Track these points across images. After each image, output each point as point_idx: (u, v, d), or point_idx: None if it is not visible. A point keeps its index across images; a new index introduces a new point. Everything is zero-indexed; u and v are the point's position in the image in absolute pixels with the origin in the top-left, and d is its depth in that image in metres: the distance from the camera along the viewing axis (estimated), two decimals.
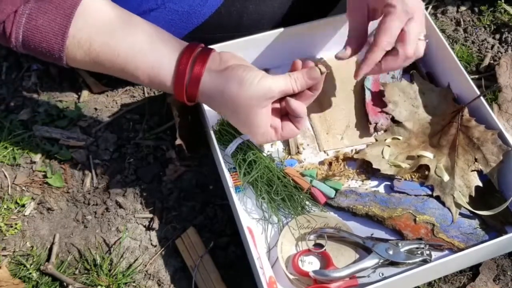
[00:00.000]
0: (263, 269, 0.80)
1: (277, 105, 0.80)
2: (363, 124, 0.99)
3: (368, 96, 0.99)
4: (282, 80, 0.77)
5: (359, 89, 1.02)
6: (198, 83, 0.76)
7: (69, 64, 0.76)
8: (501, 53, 1.12)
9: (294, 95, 0.79)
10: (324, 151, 0.97)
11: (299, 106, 0.78)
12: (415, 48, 0.83)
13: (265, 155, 0.91)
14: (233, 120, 0.80)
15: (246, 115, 0.76)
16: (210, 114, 0.95)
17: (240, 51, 0.98)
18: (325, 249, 0.85)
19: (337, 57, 0.90)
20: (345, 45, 0.90)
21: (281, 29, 0.99)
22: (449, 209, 0.88)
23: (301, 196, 0.90)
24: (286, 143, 0.97)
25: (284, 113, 0.81)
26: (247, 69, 0.75)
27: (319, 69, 0.78)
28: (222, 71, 0.76)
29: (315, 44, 1.04)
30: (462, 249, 0.84)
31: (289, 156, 0.96)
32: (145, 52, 0.75)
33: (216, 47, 0.95)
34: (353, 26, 0.91)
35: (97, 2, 0.75)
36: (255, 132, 0.79)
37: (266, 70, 1.06)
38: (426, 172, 0.92)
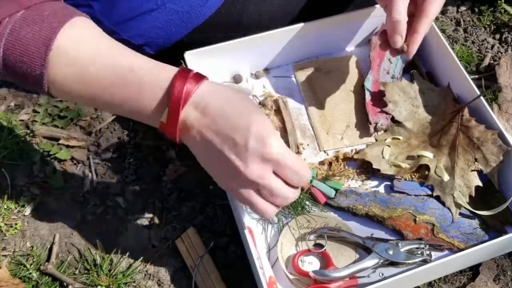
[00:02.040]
0: (263, 269, 0.80)
1: None
2: (363, 124, 0.99)
3: (368, 96, 0.99)
4: None
5: (359, 89, 1.02)
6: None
7: (49, 88, 0.68)
8: (501, 53, 1.12)
9: None
10: (324, 151, 0.97)
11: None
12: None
13: None
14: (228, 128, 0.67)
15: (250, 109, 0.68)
16: None
17: (240, 51, 0.99)
18: (325, 249, 0.85)
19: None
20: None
21: (281, 29, 0.99)
22: (449, 209, 0.88)
23: (301, 196, 0.90)
24: (286, 143, 0.97)
25: None
26: None
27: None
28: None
29: (316, 43, 1.04)
30: (462, 249, 0.84)
31: None
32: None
33: (216, 47, 0.96)
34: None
35: (87, 27, 0.70)
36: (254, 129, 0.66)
37: (266, 70, 1.06)
38: (426, 172, 0.92)
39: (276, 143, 0.65)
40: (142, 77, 0.67)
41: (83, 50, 0.67)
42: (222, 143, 0.65)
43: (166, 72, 0.67)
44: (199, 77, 0.67)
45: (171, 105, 0.66)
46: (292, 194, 0.68)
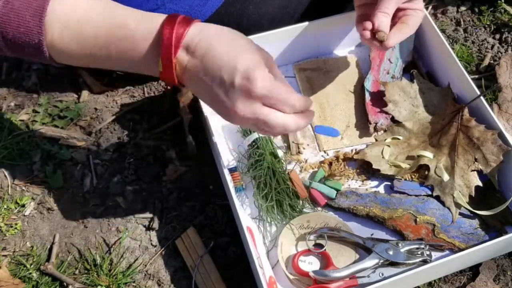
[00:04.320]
0: (263, 269, 0.80)
1: None
2: (363, 124, 0.99)
3: (367, 96, 0.99)
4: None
5: (359, 89, 1.02)
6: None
7: (50, 53, 0.70)
8: (501, 53, 1.12)
9: None
10: (324, 151, 0.97)
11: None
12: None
13: (274, 155, 0.92)
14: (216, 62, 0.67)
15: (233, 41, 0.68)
16: (210, 112, 0.96)
17: None
18: (325, 249, 0.85)
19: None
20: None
21: (281, 29, 0.99)
22: (449, 209, 0.88)
23: (299, 201, 0.90)
24: (287, 143, 0.97)
25: None
26: None
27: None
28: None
29: (316, 43, 1.04)
30: (463, 249, 0.84)
31: (290, 156, 0.96)
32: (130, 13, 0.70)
33: None
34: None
35: None
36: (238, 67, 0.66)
37: None
38: (426, 172, 0.92)
39: (260, 77, 0.64)
40: (134, 30, 0.68)
41: (76, 12, 0.68)
42: (211, 83, 0.66)
43: (154, 20, 0.68)
44: (188, 20, 0.67)
45: (163, 53, 0.66)
46: (292, 120, 0.68)
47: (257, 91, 0.64)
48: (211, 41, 0.66)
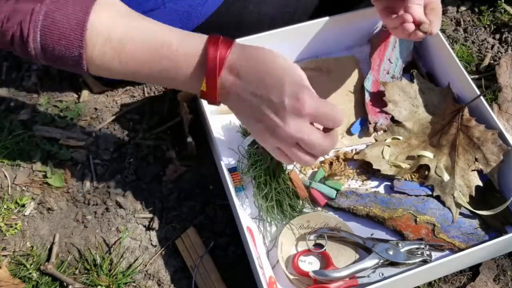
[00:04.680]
0: (263, 269, 0.80)
1: None
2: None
3: (367, 96, 0.99)
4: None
5: (359, 89, 1.02)
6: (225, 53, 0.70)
7: (88, 68, 0.72)
8: (501, 53, 1.12)
9: None
10: None
11: None
12: None
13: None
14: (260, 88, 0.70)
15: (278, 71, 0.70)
16: (210, 111, 0.96)
17: None
18: (325, 249, 0.85)
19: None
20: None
21: (281, 29, 0.99)
22: (449, 209, 0.88)
23: (299, 201, 0.90)
24: None
25: None
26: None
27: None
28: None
29: (316, 43, 1.04)
30: (463, 249, 0.84)
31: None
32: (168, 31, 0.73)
33: None
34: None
35: (114, 3, 0.73)
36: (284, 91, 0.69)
37: None
38: (426, 172, 0.92)
39: (308, 96, 0.68)
40: (178, 49, 0.70)
41: (117, 28, 0.70)
42: (260, 103, 0.69)
43: (196, 40, 0.71)
44: (229, 41, 0.70)
45: (208, 74, 0.69)
46: (328, 144, 0.71)
47: (307, 110, 0.67)
48: (253, 61, 0.70)
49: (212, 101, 0.72)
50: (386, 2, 0.88)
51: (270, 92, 0.68)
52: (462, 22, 1.19)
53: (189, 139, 0.97)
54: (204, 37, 0.71)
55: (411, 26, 0.84)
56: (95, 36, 0.69)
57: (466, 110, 0.93)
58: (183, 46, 0.70)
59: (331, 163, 0.95)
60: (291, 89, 0.67)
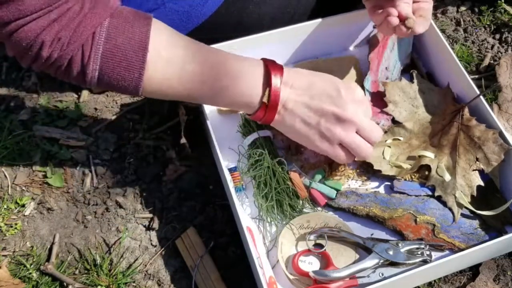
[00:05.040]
0: (263, 269, 0.80)
1: None
2: None
3: (367, 96, 0.99)
4: None
5: None
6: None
7: (144, 88, 0.73)
8: (501, 53, 1.12)
9: None
10: None
11: None
12: None
13: (274, 155, 0.92)
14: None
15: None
16: (210, 111, 0.96)
17: (241, 50, 0.99)
18: (325, 249, 0.85)
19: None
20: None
21: (281, 29, 0.99)
22: (450, 209, 0.88)
23: (299, 201, 0.90)
24: (287, 143, 0.97)
25: None
26: None
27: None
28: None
29: (316, 43, 1.04)
30: (463, 249, 0.83)
31: (290, 156, 0.96)
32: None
33: (216, 46, 0.96)
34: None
35: (165, 26, 0.77)
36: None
37: None
38: (426, 173, 0.91)
39: (359, 90, 0.84)
40: (238, 66, 0.78)
41: (175, 49, 0.75)
42: (319, 101, 0.80)
43: (251, 60, 0.80)
44: (276, 63, 0.81)
45: (272, 88, 0.78)
46: (380, 130, 0.85)
47: (361, 98, 0.83)
48: (299, 73, 0.82)
49: (270, 117, 0.80)
50: (376, 1, 0.89)
51: (327, 91, 0.80)
52: (462, 22, 1.19)
53: (183, 140, 0.97)
54: (257, 58, 0.81)
55: (395, 20, 0.85)
56: (156, 57, 0.72)
57: (466, 110, 0.93)
58: (242, 63, 0.79)
59: (331, 163, 0.95)
60: (344, 85, 0.81)
